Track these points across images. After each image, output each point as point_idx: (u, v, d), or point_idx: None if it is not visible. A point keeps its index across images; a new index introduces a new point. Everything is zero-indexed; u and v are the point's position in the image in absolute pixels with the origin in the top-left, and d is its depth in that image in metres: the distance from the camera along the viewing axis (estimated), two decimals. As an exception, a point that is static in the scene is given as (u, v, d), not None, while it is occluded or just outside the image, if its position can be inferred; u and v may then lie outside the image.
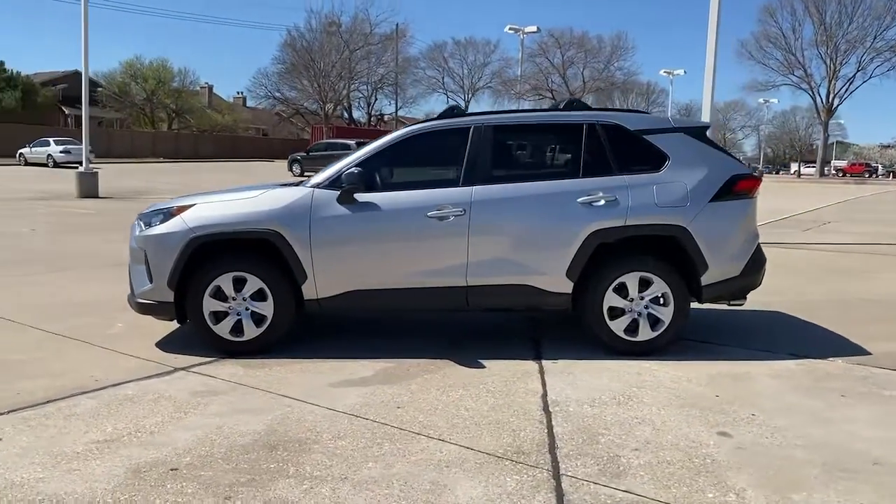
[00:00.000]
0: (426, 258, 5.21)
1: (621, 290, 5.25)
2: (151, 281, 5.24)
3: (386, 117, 63.90)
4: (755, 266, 5.43)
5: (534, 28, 39.58)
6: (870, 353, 5.44)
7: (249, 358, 5.13)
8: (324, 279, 5.19)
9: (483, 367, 5.01)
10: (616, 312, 5.28)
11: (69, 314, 6.36)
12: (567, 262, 5.19)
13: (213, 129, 62.95)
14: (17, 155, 38.58)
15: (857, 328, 6.24)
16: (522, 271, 5.22)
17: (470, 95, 54.12)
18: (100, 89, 59.20)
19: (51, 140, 37.20)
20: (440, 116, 5.59)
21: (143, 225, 5.40)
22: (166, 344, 5.48)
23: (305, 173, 33.39)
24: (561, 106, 5.72)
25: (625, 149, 5.40)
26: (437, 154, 5.55)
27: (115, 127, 59.06)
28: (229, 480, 3.26)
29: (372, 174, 5.34)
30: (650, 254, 5.31)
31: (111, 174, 27.48)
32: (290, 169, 34.07)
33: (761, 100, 71.75)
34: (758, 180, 5.49)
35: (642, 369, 4.98)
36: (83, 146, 21.44)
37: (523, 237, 5.22)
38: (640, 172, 5.32)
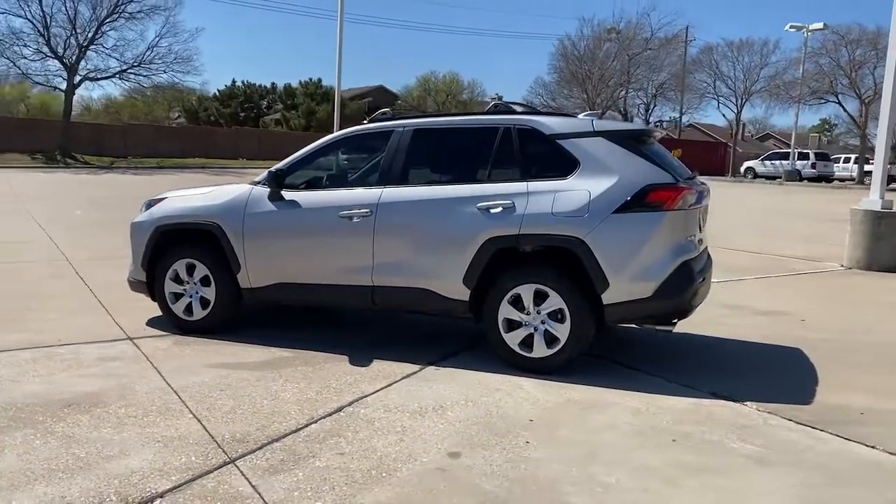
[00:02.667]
0: (337, 256, 5.43)
1: (518, 303, 4.98)
2: (134, 262, 6.14)
3: (665, 124, 61.65)
4: (674, 289, 4.78)
5: (819, 25, 35.66)
6: (807, 404, 4.51)
7: (197, 336, 5.76)
8: (254, 270, 5.65)
9: (365, 366, 5.09)
10: (514, 325, 5.02)
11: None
12: (464, 269, 5.06)
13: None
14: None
15: (846, 376, 5.19)
16: (422, 275, 5.20)
17: (744, 100, 49.82)
18: (398, 102, 65.33)
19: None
20: (371, 120, 5.74)
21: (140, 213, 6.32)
22: (159, 319, 6.30)
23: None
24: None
25: (536, 154, 5.12)
26: (364, 156, 5.72)
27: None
28: (-7, 424, 3.89)
29: (302, 174, 5.69)
30: (549, 266, 4.96)
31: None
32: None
33: None
34: (678, 191, 4.81)
35: (511, 386, 4.71)
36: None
37: (423, 241, 5.19)
38: (546, 179, 4.99)
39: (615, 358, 5.40)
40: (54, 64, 38.94)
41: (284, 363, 5.13)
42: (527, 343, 4.99)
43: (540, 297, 4.93)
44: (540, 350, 4.95)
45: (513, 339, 5.01)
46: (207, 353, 5.34)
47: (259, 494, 3.16)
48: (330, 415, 4.14)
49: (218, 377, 4.78)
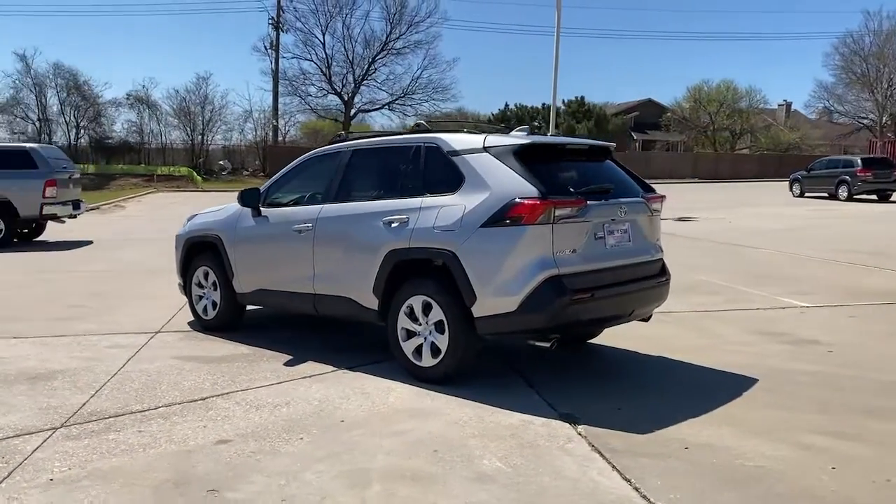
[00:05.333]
0: (291, 266, 6.03)
1: (413, 313, 5.18)
2: (176, 269, 7.31)
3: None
4: (538, 304, 4.63)
5: None
6: (647, 433, 4.13)
7: (210, 332, 6.71)
8: (242, 277, 6.47)
9: (291, 366, 5.60)
10: (411, 335, 5.22)
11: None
12: (372, 280, 5.37)
13: (778, 149, 60.77)
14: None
15: (755, 411, 4.60)
16: (345, 284, 5.60)
17: None
18: (668, 114, 63.30)
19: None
20: (330, 142, 6.25)
21: (185, 227, 7.48)
22: (200, 318, 7.37)
23: (806, 194, 30.62)
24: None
25: (434, 171, 5.28)
26: (321, 175, 6.20)
27: (678, 150, 62.12)
28: (-37, 386, 5.12)
29: (278, 192, 6.39)
30: (433, 278, 5.08)
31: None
32: (791, 189, 31.51)
33: None
34: (540, 205, 4.61)
35: (382, 391, 4.96)
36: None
37: (345, 253, 5.59)
38: (438, 194, 5.14)
39: (527, 374, 5.34)
40: (334, 99, 44.32)
41: (233, 359, 5.84)
42: (419, 352, 5.16)
43: (427, 309, 5.08)
44: (427, 359, 5.10)
45: (408, 348, 5.21)
46: (191, 347, 6.24)
47: (33, 453, 3.89)
48: (189, 402, 4.77)
49: (165, 366, 5.63)
